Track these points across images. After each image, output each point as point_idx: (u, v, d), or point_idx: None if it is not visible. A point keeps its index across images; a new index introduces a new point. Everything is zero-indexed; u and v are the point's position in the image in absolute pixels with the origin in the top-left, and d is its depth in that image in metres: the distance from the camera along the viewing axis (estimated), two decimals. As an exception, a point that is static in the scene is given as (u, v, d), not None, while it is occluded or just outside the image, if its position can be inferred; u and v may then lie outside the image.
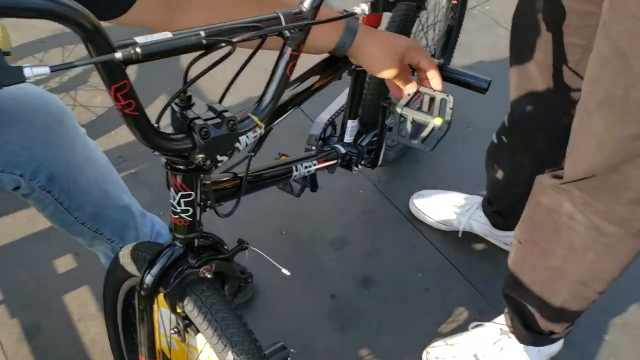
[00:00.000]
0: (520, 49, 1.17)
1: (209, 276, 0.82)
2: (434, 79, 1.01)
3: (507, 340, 1.32)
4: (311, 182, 1.39)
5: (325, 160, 1.22)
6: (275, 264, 0.79)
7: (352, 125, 1.28)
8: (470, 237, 1.61)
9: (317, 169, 1.16)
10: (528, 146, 1.27)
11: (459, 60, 2.14)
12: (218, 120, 0.66)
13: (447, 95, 1.00)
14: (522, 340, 1.30)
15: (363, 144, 1.37)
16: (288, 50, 0.66)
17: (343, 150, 1.29)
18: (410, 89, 1.00)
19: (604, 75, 0.85)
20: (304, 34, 0.65)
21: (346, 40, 0.93)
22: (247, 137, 0.85)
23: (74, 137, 1.08)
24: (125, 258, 0.91)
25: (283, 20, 0.62)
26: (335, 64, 1.05)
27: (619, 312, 1.49)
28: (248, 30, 0.60)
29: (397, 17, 1.27)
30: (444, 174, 1.79)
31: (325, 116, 1.31)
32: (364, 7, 0.67)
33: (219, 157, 0.71)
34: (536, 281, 1.18)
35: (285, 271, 0.79)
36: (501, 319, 1.34)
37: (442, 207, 1.62)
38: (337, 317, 1.46)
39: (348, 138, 1.30)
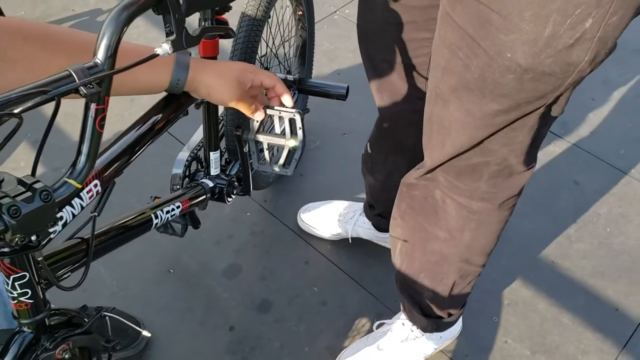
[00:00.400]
0: (371, 52, 1.17)
1: (67, 356, 0.76)
2: (283, 95, 0.99)
3: (410, 333, 1.34)
4: (191, 219, 1.34)
5: (192, 199, 1.17)
6: (134, 326, 0.74)
7: (214, 157, 1.24)
8: (359, 242, 1.62)
9: (182, 211, 1.11)
10: (401, 146, 1.28)
11: (326, 67, 2.16)
12: (29, 194, 0.60)
13: (294, 115, 0.98)
14: (424, 329, 1.33)
15: (232, 173, 1.34)
16: (92, 106, 0.61)
17: (211, 184, 1.25)
18: (257, 116, 0.98)
19: (455, 62, 0.86)
20: (105, 86, 0.61)
21: (179, 76, 0.89)
22: (82, 199, 0.80)
23: None
24: (-22, 352, 0.83)
25: (76, 78, 0.58)
26: (176, 101, 1.01)
27: (503, 292, 1.56)
28: (33, 96, 0.55)
29: (238, 44, 1.24)
30: (327, 183, 1.80)
31: (185, 153, 1.27)
32: (166, 47, 0.64)
33: (50, 229, 0.66)
34: (426, 268, 1.20)
35: (146, 333, 0.74)
36: (402, 314, 1.36)
37: (328, 219, 1.62)
38: (238, 350, 1.42)
39: (214, 170, 1.27)
